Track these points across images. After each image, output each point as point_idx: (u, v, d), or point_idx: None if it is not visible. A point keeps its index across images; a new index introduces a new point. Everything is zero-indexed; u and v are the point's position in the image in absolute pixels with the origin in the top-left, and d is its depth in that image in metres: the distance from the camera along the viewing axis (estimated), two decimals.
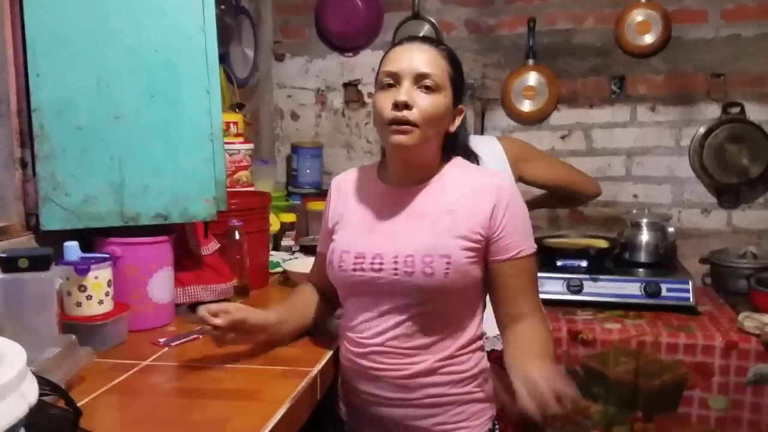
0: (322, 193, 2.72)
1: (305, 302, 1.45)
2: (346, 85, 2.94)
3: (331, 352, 1.38)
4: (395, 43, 1.33)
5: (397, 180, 1.31)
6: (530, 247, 1.26)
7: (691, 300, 2.23)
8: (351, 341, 1.30)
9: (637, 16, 2.57)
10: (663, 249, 2.43)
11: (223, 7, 2.29)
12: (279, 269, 2.06)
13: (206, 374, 1.27)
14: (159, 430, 1.05)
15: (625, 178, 2.71)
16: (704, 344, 2.07)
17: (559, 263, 2.39)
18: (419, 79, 1.22)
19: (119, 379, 1.23)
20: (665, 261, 2.44)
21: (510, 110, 2.76)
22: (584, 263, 2.39)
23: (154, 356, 1.36)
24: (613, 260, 2.47)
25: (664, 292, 2.26)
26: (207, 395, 1.18)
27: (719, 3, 2.54)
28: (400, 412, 1.26)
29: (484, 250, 1.24)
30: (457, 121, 1.30)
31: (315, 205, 2.51)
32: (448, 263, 1.19)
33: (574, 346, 2.14)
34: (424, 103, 1.21)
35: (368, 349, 1.26)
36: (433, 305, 1.23)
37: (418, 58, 1.23)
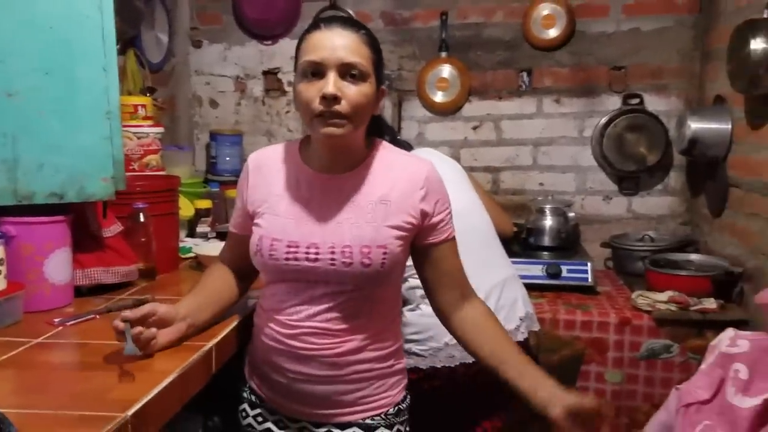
0: None
1: (219, 284, 1.42)
2: (265, 73, 2.95)
3: (230, 327, 1.40)
4: (313, 24, 1.23)
5: (325, 166, 1.29)
6: (453, 230, 1.31)
7: (590, 280, 2.36)
8: (279, 323, 1.29)
9: (543, 10, 2.68)
10: (565, 233, 2.55)
11: None
12: (191, 254, 2.07)
13: (99, 350, 1.27)
14: (41, 399, 1.05)
15: (532, 167, 2.83)
16: (599, 321, 2.19)
17: None
18: (345, 68, 1.17)
19: (9, 354, 1.22)
20: (567, 244, 2.57)
21: (425, 101, 2.83)
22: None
23: (48, 334, 1.35)
24: (519, 244, 2.58)
25: (564, 273, 2.38)
26: (96, 368, 1.19)
27: None
28: (328, 389, 1.28)
29: (412, 236, 1.27)
30: (382, 104, 1.29)
31: (234, 193, 2.50)
32: (384, 254, 1.21)
33: None
34: (352, 94, 1.18)
35: (299, 331, 1.26)
36: (367, 291, 1.25)
37: (341, 47, 1.18)
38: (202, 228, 2.33)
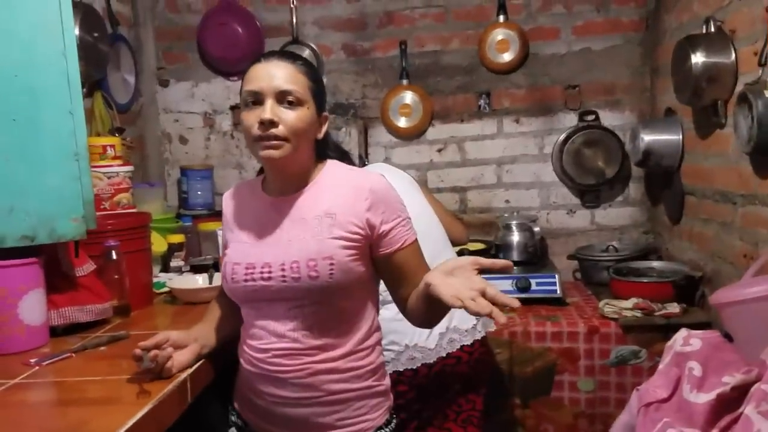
0: (214, 214, 2.76)
1: (222, 312, 1.47)
2: (233, 108, 3.00)
3: (203, 360, 1.44)
4: (255, 59, 1.32)
5: (278, 190, 1.36)
6: (412, 234, 1.33)
7: (558, 292, 2.43)
8: (252, 347, 1.33)
9: (497, 35, 2.79)
10: (532, 247, 2.63)
11: (96, 34, 2.31)
12: (165, 289, 2.09)
13: (75, 387, 1.30)
14: None
15: (497, 186, 2.91)
16: (569, 331, 2.25)
17: None
18: (281, 96, 1.25)
19: None
20: (535, 258, 2.64)
21: (389, 127, 2.91)
22: None
23: (24, 375, 1.36)
24: None
25: (533, 286, 2.45)
26: (72, 404, 1.21)
27: (570, 20, 2.80)
28: (305, 411, 1.30)
29: (368, 246, 1.30)
30: (324, 128, 1.36)
31: (206, 226, 2.55)
32: (331, 264, 1.24)
33: None
34: (289, 118, 1.25)
35: (269, 354, 1.30)
36: (325, 305, 1.28)
37: (278, 76, 1.26)
38: (175, 262, 2.35)
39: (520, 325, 2.28)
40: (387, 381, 1.39)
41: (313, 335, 1.28)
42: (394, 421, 1.41)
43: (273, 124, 1.23)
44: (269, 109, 1.24)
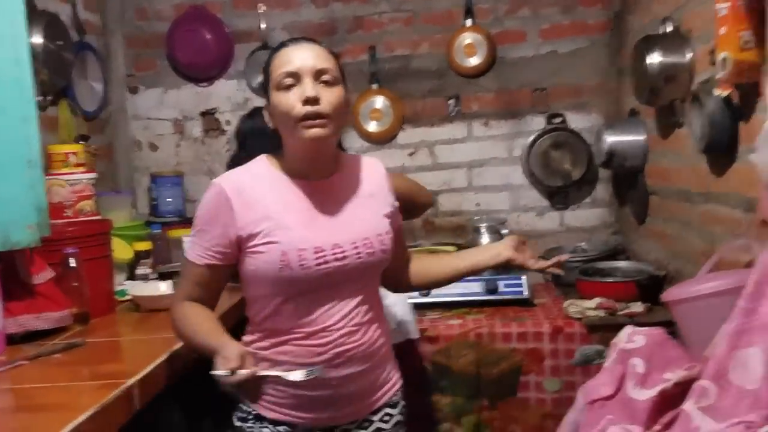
0: (184, 221, 2.76)
1: (213, 315, 1.40)
2: (203, 114, 3.01)
3: (155, 364, 1.43)
4: (280, 45, 1.33)
5: (310, 174, 1.35)
6: None
7: (525, 293, 2.44)
8: (311, 335, 1.30)
9: (465, 39, 2.80)
10: None
11: (60, 42, 2.31)
12: (128, 296, 2.09)
13: (24, 394, 1.31)
14: None
15: (468, 189, 2.93)
16: (534, 331, 2.26)
17: None
18: (319, 74, 1.26)
19: None
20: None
21: (360, 131, 2.92)
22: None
23: None
24: None
25: (501, 288, 2.45)
26: (17, 411, 1.23)
27: (536, 23, 2.83)
28: (366, 380, 1.37)
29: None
30: (348, 114, 1.43)
31: (177, 233, 2.55)
32: (390, 237, 1.39)
33: (421, 343, 2.28)
34: (330, 96, 1.27)
35: (336, 335, 1.31)
36: (378, 276, 1.41)
37: (313, 56, 1.28)
38: (142, 270, 2.35)
39: (486, 327, 2.29)
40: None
41: (368, 308, 1.36)
42: None
43: (317, 101, 1.24)
44: (310, 87, 1.25)
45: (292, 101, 1.26)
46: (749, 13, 1.50)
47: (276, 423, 1.36)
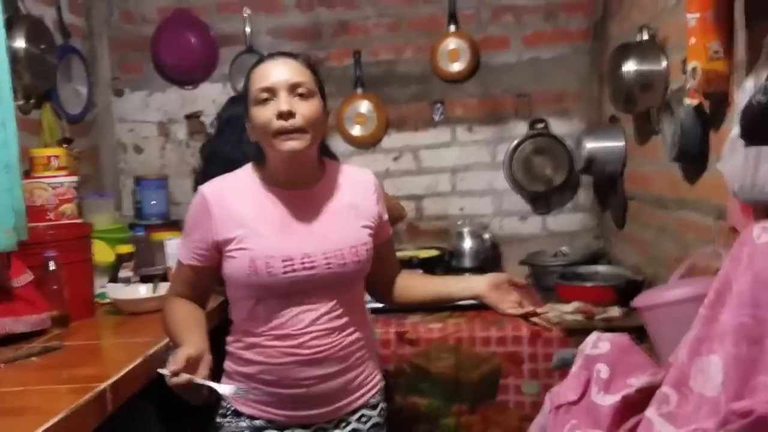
0: (168, 224, 2.77)
1: (196, 312, 1.45)
2: (188, 117, 3.02)
3: (130, 367, 1.45)
4: (258, 61, 1.39)
5: (290, 183, 1.40)
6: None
7: None
8: (281, 337, 1.36)
9: (448, 45, 2.83)
10: (483, 254, 2.67)
11: (44, 46, 2.32)
12: (108, 300, 2.10)
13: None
14: None
15: (452, 194, 2.96)
16: (513, 335, 2.28)
17: None
18: (294, 88, 1.32)
19: None
20: (486, 264, 2.68)
21: (345, 136, 2.95)
22: (419, 272, 2.57)
23: None
24: (443, 267, 2.68)
25: None
26: None
27: (519, 30, 2.86)
28: (341, 381, 1.41)
29: (375, 233, 1.46)
30: (327, 124, 1.45)
31: (160, 236, 2.56)
32: (367, 249, 1.41)
33: (401, 346, 2.30)
34: (304, 110, 1.32)
35: (306, 338, 1.36)
36: (353, 284, 1.44)
37: (287, 71, 1.33)
38: (124, 273, 2.35)
39: (465, 331, 2.30)
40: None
41: (342, 314, 1.39)
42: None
43: (291, 114, 1.30)
44: (284, 101, 1.30)
45: (268, 115, 1.31)
46: (718, 24, 1.52)
47: (253, 418, 1.42)
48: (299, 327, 1.36)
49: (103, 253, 2.29)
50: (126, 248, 2.39)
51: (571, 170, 2.77)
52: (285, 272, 1.33)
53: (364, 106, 2.91)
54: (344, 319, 1.40)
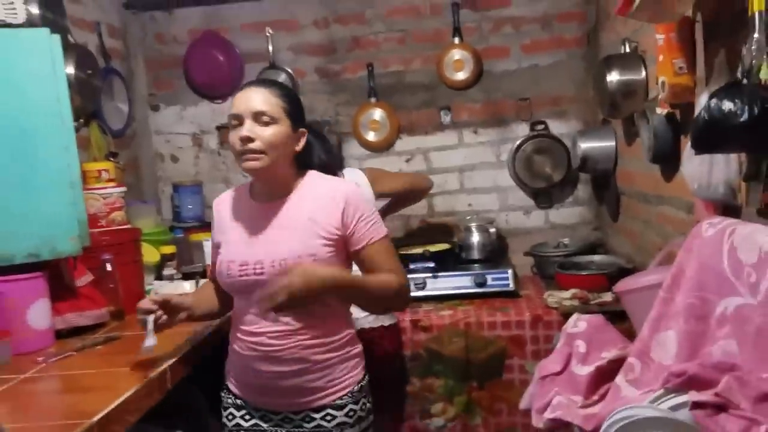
0: (204, 226, 3.04)
1: (211, 294, 1.76)
2: (219, 128, 3.28)
3: (182, 353, 1.71)
4: (239, 88, 1.59)
5: (264, 196, 1.62)
6: (381, 232, 1.60)
7: (511, 286, 2.68)
8: (245, 332, 1.59)
9: (453, 56, 3.06)
10: (490, 246, 2.90)
11: (90, 71, 2.60)
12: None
13: (73, 379, 1.59)
14: (29, 415, 1.37)
15: (460, 191, 3.18)
16: (517, 320, 2.51)
17: (411, 266, 2.80)
18: (257, 116, 1.51)
19: (3, 387, 1.53)
20: (493, 256, 2.91)
21: (361, 141, 3.19)
22: (431, 264, 2.81)
23: (34, 370, 1.65)
24: (453, 260, 2.92)
25: (489, 282, 2.70)
26: (69, 392, 1.52)
27: (518, 39, 3.07)
28: (299, 380, 1.56)
29: (344, 243, 1.57)
30: (302, 142, 1.60)
31: (197, 237, 2.84)
32: (315, 260, 1.51)
33: (416, 332, 2.55)
34: (264, 134, 1.51)
35: (263, 336, 1.55)
36: None
37: (254, 99, 1.52)
38: (168, 271, 2.63)
39: (474, 317, 2.54)
40: (360, 346, 1.68)
41: (300, 317, 1.54)
42: (367, 376, 1.69)
43: (250, 139, 1.50)
44: (246, 128, 1.51)
45: (234, 139, 1.53)
46: (681, 44, 1.74)
47: (236, 397, 1.67)
48: (259, 325, 1.56)
49: (149, 253, 2.56)
50: (169, 249, 2.66)
51: (570, 168, 2.98)
52: (240, 275, 1.55)
53: (378, 113, 3.15)
54: (304, 322, 1.54)
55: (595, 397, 1.50)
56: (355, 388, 1.63)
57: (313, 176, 1.64)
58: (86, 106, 2.63)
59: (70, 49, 2.53)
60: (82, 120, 2.65)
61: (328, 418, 1.59)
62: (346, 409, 1.60)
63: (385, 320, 2.35)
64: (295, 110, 1.58)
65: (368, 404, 1.67)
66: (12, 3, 2.09)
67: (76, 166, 1.91)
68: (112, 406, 1.37)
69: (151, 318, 1.55)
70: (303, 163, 1.65)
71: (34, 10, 2.24)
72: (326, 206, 1.56)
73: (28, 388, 1.55)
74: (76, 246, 1.89)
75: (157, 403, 1.56)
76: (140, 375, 1.54)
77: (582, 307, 2.45)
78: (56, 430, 1.27)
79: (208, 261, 2.57)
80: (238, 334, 1.61)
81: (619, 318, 1.94)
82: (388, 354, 2.40)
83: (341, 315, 1.65)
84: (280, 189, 1.61)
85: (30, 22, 2.11)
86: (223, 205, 1.70)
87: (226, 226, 1.65)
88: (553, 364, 1.61)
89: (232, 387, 1.69)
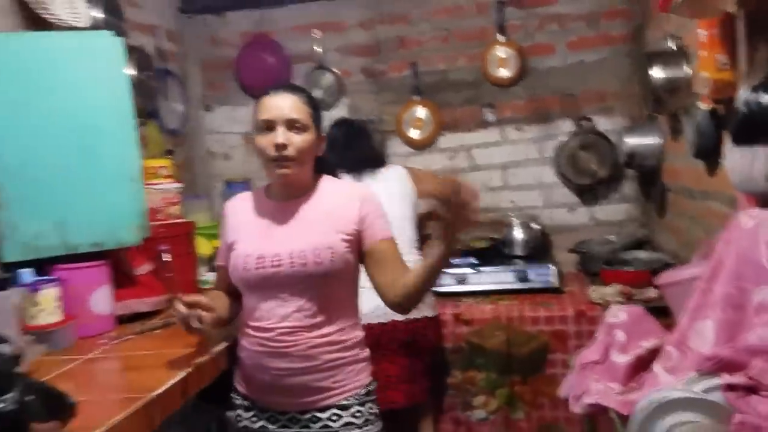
0: None
1: (222, 298, 1.71)
2: (244, 135, 3.37)
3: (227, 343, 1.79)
4: (264, 91, 1.58)
5: (282, 196, 1.64)
6: (390, 232, 1.62)
7: (553, 281, 2.71)
8: (257, 328, 1.58)
9: (498, 53, 3.09)
10: (532, 242, 2.92)
11: (150, 73, 2.74)
12: (208, 285, 2.48)
13: (133, 359, 1.68)
14: (90, 389, 1.48)
15: (503, 188, 3.21)
16: (560, 315, 2.54)
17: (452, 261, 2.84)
18: (290, 123, 1.54)
19: (69, 366, 1.63)
20: (535, 252, 2.93)
21: (404, 138, 3.25)
22: (474, 260, 2.86)
23: (97, 351, 1.75)
24: (496, 255, 2.95)
25: (531, 277, 2.73)
26: (129, 370, 1.62)
27: (564, 36, 3.08)
28: (306, 378, 1.55)
29: (358, 241, 1.59)
30: (322, 147, 1.65)
31: None
32: (332, 253, 1.53)
33: (458, 325, 2.60)
34: (297, 142, 1.54)
35: (275, 332, 1.55)
36: (323, 288, 1.55)
37: (286, 106, 1.54)
38: None
39: (516, 311, 2.57)
40: (367, 351, 1.69)
41: (311, 315, 1.55)
42: (373, 382, 1.69)
43: (285, 147, 1.53)
44: (281, 135, 1.53)
45: (266, 144, 1.54)
46: (723, 40, 1.74)
47: (244, 398, 1.67)
48: (271, 321, 1.55)
49: (202, 246, 2.67)
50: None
51: (615, 164, 2.98)
52: (256, 268, 1.55)
53: (421, 111, 3.21)
54: (315, 320, 1.54)
55: (633, 384, 1.53)
56: (362, 391, 1.63)
57: (326, 180, 1.69)
58: (144, 106, 2.77)
59: (129, 51, 2.67)
60: (140, 119, 2.78)
61: (334, 418, 1.59)
62: (352, 410, 1.60)
63: (428, 311, 2.40)
64: (318, 116, 1.62)
65: (375, 408, 1.66)
66: (76, 7, 2.23)
67: (137, 162, 2.02)
68: (172, 381, 1.45)
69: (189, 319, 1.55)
70: (320, 167, 1.68)
71: (97, 14, 2.38)
72: (344, 204, 1.60)
73: (91, 367, 1.65)
74: (137, 236, 2.00)
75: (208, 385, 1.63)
76: (196, 356, 1.63)
77: (626, 302, 2.45)
78: (120, 403, 1.36)
79: None
80: (249, 330, 1.62)
81: (662, 314, 1.93)
82: (432, 344, 2.46)
83: (352, 316, 1.65)
84: (299, 190, 1.64)
85: (93, 26, 2.24)
86: (236, 207, 1.72)
87: (241, 225, 1.66)
88: (592, 353, 1.64)
89: (240, 387, 1.69)
